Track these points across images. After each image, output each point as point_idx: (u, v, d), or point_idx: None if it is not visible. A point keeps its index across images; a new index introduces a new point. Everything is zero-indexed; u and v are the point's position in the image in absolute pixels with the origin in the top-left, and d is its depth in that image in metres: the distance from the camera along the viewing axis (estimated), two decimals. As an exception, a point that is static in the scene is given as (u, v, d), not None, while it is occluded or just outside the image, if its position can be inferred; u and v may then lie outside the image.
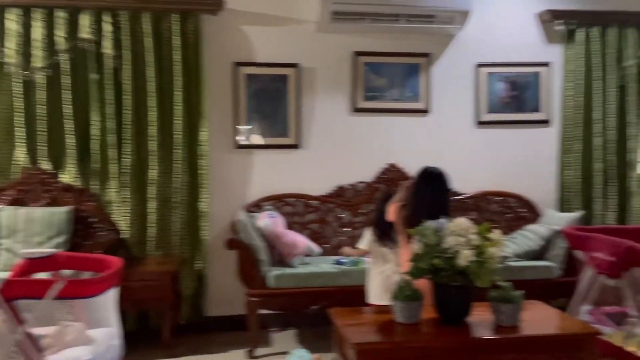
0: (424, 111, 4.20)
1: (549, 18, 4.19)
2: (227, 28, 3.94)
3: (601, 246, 3.13)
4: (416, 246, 2.48)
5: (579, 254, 3.47)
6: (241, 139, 3.97)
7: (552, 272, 3.70)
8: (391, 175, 4.17)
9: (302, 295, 3.47)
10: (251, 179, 4.03)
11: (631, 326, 2.92)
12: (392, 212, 2.95)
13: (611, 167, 4.26)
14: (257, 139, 4.03)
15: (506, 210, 4.26)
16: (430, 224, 2.46)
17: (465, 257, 2.30)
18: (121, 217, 3.76)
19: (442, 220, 2.46)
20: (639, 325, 2.91)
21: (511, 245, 3.84)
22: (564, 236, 3.61)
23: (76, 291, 2.48)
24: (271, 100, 4.02)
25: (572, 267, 3.64)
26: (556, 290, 3.67)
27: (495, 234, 2.42)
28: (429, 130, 4.21)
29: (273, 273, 3.48)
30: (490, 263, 2.37)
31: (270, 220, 3.61)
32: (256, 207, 3.96)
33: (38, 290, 2.37)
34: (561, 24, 4.19)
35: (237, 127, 3.97)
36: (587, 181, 4.27)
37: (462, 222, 2.41)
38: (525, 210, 4.25)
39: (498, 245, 2.42)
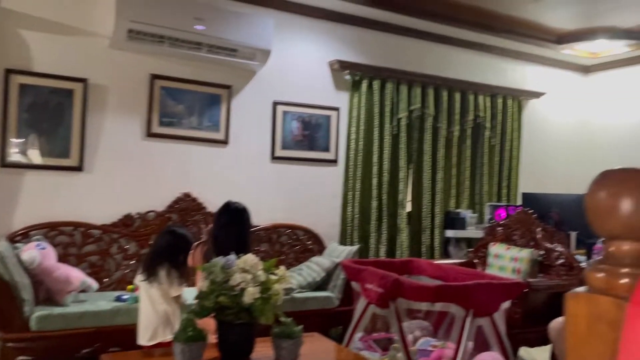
0: (222, 142, 4.03)
1: (338, 67, 4.40)
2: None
3: (372, 278, 3.34)
4: (203, 283, 2.33)
5: (355, 285, 3.69)
6: (12, 157, 3.37)
7: (332, 302, 3.80)
8: (185, 205, 3.91)
9: (72, 337, 2.90)
10: (19, 203, 3.34)
11: (394, 351, 3.16)
12: (194, 252, 2.77)
13: (384, 205, 4.65)
14: (29, 158, 3.43)
15: (295, 242, 4.32)
16: (218, 260, 2.34)
17: (251, 294, 2.22)
18: None
19: (231, 257, 2.35)
20: (401, 350, 3.19)
21: (297, 277, 3.91)
22: (342, 268, 3.82)
23: None
24: (52, 116, 3.41)
25: (349, 297, 3.86)
26: (335, 319, 3.79)
27: (281, 270, 2.40)
28: (227, 161, 4.04)
29: (36, 314, 2.86)
30: (274, 299, 2.34)
31: (37, 252, 3.04)
32: (23, 236, 3.31)
33: None
34: (348, 74, 4.51)
35: (6, 142, 3.37)
36: (364, 217, 4.52)
37: (250, 259, 2.34)
38: (312, 242, 4.34)
39: (283, 281, 2.41)
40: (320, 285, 3.89)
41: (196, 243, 2.75)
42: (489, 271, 4.04)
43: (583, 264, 3.55)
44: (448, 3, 4.42)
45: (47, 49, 3.44)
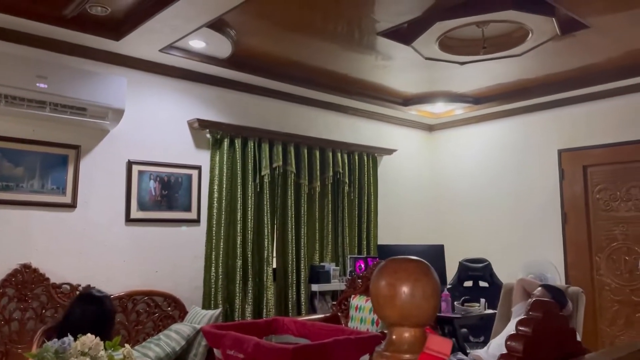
0: (69, 206, 3.72)
1: (198, 126, 4.38)
2: None
3: (233, 344, 3.26)
4: (34, 372, 2.09)
5: (217, 352, 3.56)
6: None
7: None
8: (24, 278, 3.47)
9: None
10: None
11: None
12: (40, 341, 2.48)
13: (249, 263, 4.56)
14: None
15: (154, 309, 4.06)
16: (52, 344, 2.12)
17: (90, 379, 2.04)
18: None
19: (67, 339, 2.15)
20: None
21: (154, 349, 3.67)
22: (203, 334, 3.67)
23: None
24: None
25: (214, 365, 3.70)
26: None
27: (125, 349, 2.25)
28: (74, 226, 3.73)
29: None
30: (119, 380, 2.16)
31: None
32: None
33: None
34: (208, 133, 4.49)
35: None
36: (229, 277, 4.42)
37: (89, 339, 2.16)
38: (172, 308, 4.10)
39: (127, 359, 2.25)
40: (181, 355, 3.68)
41: (44, 329, 2.47)
42: (351, 324, 4.16)
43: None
44: (305, 68, 4.67)
45: None
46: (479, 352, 3.38)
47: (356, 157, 5.55)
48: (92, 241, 3.83)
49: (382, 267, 0.72)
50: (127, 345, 2.20)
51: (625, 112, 4.89)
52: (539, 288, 3.34)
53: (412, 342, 0.67)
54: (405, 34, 3.92)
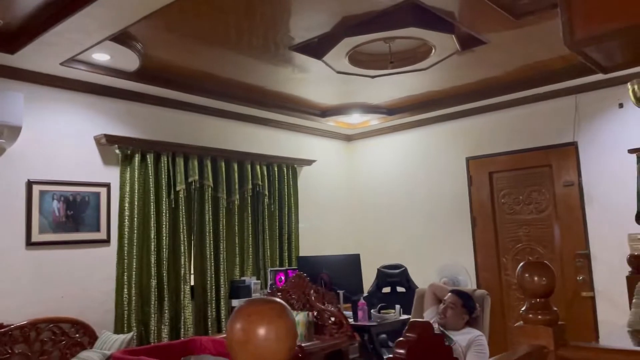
0: (-41, 231, 3.53)
1: (106, 142, 4.17)
2: None
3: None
4: None
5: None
6: None
7: None
8: None
9: None
10: None
11: None
12: None
13: (165, 282, 4.38)
14: None
15: (60, 337, 3.79)
16: None
17: None
18: None
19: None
20: None
21: (62, 380, 3.47)
22: (115, 362, 3.50)
23: None
24: None
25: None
26: None
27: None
28: (-34, 253, 3.54)
29: None
30: None
31: None
32: None
33: None
34: (117, 148, 4.28)
35: None
36: (143, 298, 4.23)
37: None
38: (81, 334, 3.87)
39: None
40: (91, 384, 3.50)
41: None
42: (272, 338, 4.12)
43: (350, 320, 3.87)
44: (220, 80, 4.60)
45: None
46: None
47: (276, 169, 5.55)
48: (-13, 268, 3.55)
49: (236, 311, 0.72)
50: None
51: (524, 122, 5.23)
52: (450, 294, 3.48)
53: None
54: (316, 48, 3.98)
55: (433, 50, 3.97)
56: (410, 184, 6.04)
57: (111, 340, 3.75)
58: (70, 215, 4.03)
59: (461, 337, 3.28)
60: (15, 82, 3.72)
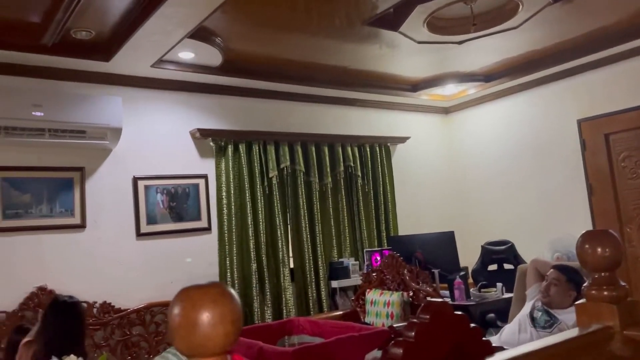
0: (79, 226, 3.84)
1: (200, 136, 4.43)
2: None
3: (240, 349, 3.30)
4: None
5: (229, 357, 3.61)
6: None
7: None
8: (41, 300, 3.58)
9: None
10: None
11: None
12: (20, 352, 2.59)
13: (265, 266, 4.54)
14: None
15: (172, 319, 4.20)
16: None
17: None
18: None
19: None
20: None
21: (171, 358, 3.76)
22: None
23: None
24: None
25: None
26: None
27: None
28: (86, 245, 3.84)
29: None
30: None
31: None
32: None
33: None
34: (211, 141, 4.52)
35: None
36: (245, 281, 4.45)
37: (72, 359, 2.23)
38: (190, 316, 4.27)
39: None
40: (200, 362, 3.74)
41: (24, 342, 2.56)
42: (368, 318, 4.11)
43: (447, 299, 3.71)
44: (302, 65, 4.62)
45: None
46: (492, 339, 3.26)
47: (368, 149, 5.47)
48: (104, 258, 3.93)
49: (175, 297, 0.70)
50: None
51: (644, 73, 4.59)
52: (552, 270, 3.18)
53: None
54: (391, 20, 3.82)
55: (520, 6, 3.61)
56: (515, 154, 5.61)
57: (215, 322, 3.98)
58: (173, 206, 4.33)
59: (568, 317, 2.98)
60: (113, 87, 4.05)
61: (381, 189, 5.48)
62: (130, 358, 3.80)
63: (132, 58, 3.78)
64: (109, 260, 3.95)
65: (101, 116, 3.81)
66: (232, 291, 0.71)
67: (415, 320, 1.07)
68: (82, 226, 3.88)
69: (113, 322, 3.83)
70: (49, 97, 3.62)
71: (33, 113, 3.53)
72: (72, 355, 2.15)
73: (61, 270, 3.75)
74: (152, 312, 4.05)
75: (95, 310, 3.80)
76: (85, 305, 3.73)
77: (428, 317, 1.04)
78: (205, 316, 0.64)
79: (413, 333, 0.99)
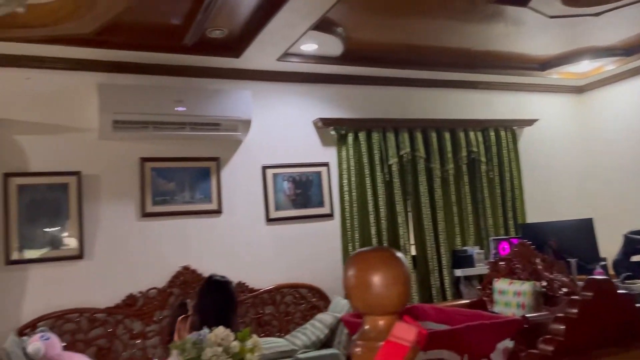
0: (216, 212, 4.18)
1: (322, 125, 4.57)
2: None
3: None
4: (177, 360, 2.42)
5: (356, 339, 3.69)
6: (15, 255, 3.60)
7: (338, 358, 3.80)
8: (186, 278, 4.01)
9: None
10: (26, 297, 3.51)
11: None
12: (178, 326, 2.88)
13: (388, 252, 4.69)
14: (31, 253, 3.57)
15: (300, 301, 4.36)
16: (191, 336, 2.43)
17: (221, 367, 2.29)
18: None
19: (203, 331, 2.44)
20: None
21: (301, 337, 3.93)
22: (343, 323, 3.83)
23: None
24: (50, 210, 3.64)
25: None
26: None
27: (254, 339, 2.47)
28: (223, 230, 4.16)
29: None
30: (249, 369, 2.39)
31: (42, 343, 3.19)
32: (31, 328, 3.46)
33: None
34: (333, 130, 4.64)
35: (9, 241, 3.61)
36: (368, 267, 4.63)
37: (220, 331, 2.42)
38: (317, 299, 4.35)
39: (257, 350, 2.47)
40: (327, 343, 3.89)
41: (181, 317, 2.85)
42: (496, 308, 3.97)
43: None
44: (422, 50, 4.56)
45: (40, 149, 3.71)
46: None
47: (492, 134, 5.25)
48: (238, 242, 4.23)
49: (348, 259, 0.74)
50: (254, 336, 2.43)
51: None
52: None
53: (381, 330, 0.68)
54: (520, -5, 3.63)
55: (673, -34, 3.23)
56: (663, 134, 5.05)
57: (342, 305, 4.10)
58: (298, 193, 4.52)
59: None
60: (243, 81, 4.31)
61: (507, 175, 5.24)
62: (264, 335, 4.04)
63: (260, 53, 3.99)
64: (242, 243, 4.24)
65: (233, 109, 4.08)
66: (402, 255, 0.74)
67: (577, 297, 1.03)
68: (218, 211, 4.20)
69: (247, 301, 4.11)
70: (189, 93, 3.95)
71: (176, 109, 3.88)
72: (220, 327, 2.35)
73: (201, 251, 4.09)
74: (282, 292, 4.28)
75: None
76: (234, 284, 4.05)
77: (591, 294, 0.99)
78: (379, 278, 0.68)
79: (576, 310, 0.96)
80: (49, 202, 3.69)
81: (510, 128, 5.35)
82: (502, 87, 5.44)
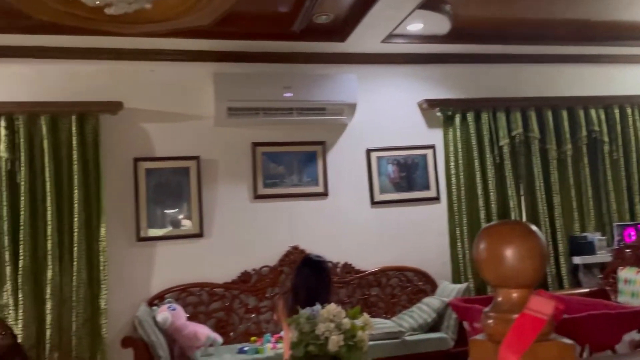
0: (323, 194, 4.27)
1: (427, 106, 4.46)
2: (126, 126, 3.90)
3: (479, 316, 3.28)
4: (292, 334, 2.52)
5: (465, 324, 3.62)
6: (145, 232, 3.96)
7: (446, 342, 3.68)
8: (295, 257, 4.12)
9: None
10: (154, 271, 3.87)
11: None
12: (277, 303, 3.00)
13: (498, 236, 4.51)
14: (158, 231, 3.94)
15: (406, 284, 4.33)
16: (304, 311, 2.52)
17: (334, 342, 2.35)
18: (16, 321, 3.54)
19: (316, 307, 2.53)
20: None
21: (408, 320, 3.93)
22: (451, 308, 3.77)
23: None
24: (173, 192, 3.97)
25: (464, 337, 3.77)
26: None
27: (365, 317, 2.51)
28: (329, 212, 4.24)
29: None
30: (360, 345, 2.44)
31: (169, 313, 3.51)
32: (159, 299, 3.82)
33: None
34: (439, 111, 4.49)
35: (139, 220, 3.99)
36: (476, 252, 4.49)
37: (332, 308, 2.49)
38: (423, 282, 4.31)
39: (368, 328, 2.51)
40: (434, 326, 3.85)
41: (278, 294, 2.96)
42: (620, 298, 3.68)
43: None
44: (534, 23, 4.29)
45: (164, 136, 4.03)
46: None
47: (616, 111, 4.82)
48: (344, 224, 4.30)
49: (480, 232, 0.73)
50: (365, 314, 2.47)
51: None
52: None
53: (514, 303, 0.66)
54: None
55: None
56: None
57: (448, 289, 4.03)
58: (403, 176, 4.49)
59: None
60: (348, 65, 4.33)
61: (634, 156, 4.80)
62: (370, 316, 4.09)
63: (365, 36, 3.99)
64: (348, 225, 4.30)
65: (338, 94, 4.14)
66: (537, 229, 0.72)
67: None
68: (324, 194, 4.30)
69: (353, 282, 4.18)
70: (296, 79, 4.07)
71: (284, 95, 4.01)
72: (317, 305, 2.42)
73: (309, 232, 4.22)
74: (387, 275, 4.30)
75: (338, 270, 4.20)
76: (330, 264, 4.15)
77: None
78: (513, 250, 0.67)
79: None
80: (172, 184, 4.01)
81: (638, 105, 4.88)
82: (627, 60, 4.97)
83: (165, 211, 3.99)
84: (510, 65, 4.72)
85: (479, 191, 4.46)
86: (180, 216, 4.02)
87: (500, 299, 0.71)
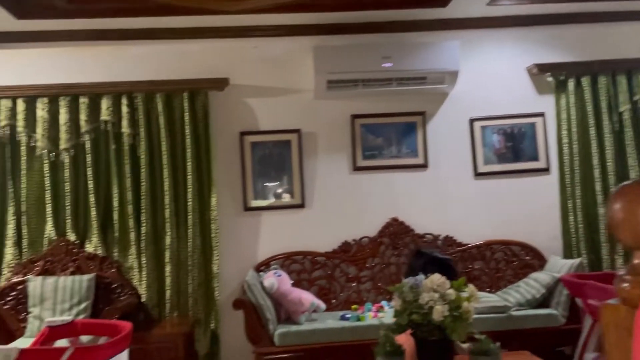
0: (422, 166, 4.20)
1: (537, 71, 4.17)
2: (232, 102, 4.07)
3: (595, 293, 3.06)
4: (396, 302, 2.54)
5: (578, 301, 3.42)
6: (251, 202, 4.16)
7: (556, 319, 3.51)
8: (394, 229, 4.16)
9: (307, 352, 3.40)
10: (260, 239, 4.07)
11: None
12: None
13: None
14: (263, 201, 4.12)
15: (511, 258, 4.13)
16: (407, 280, 2.52)
17: (439, 312, 2.33)
18: (140, 282, 3.92)
19: (419, 277, 2.52)
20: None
21: (515, 295, 3.78)
22: (563, 284, 3.57)
23: (84, 357, 2.63)
24: (276, 164, 4.11)
25: (577, 314, 3.56)
26: (561, 338, 3.48)
27: (470, 288, 2.46)
28: (429, 183, 4.18)
29: (278, 331, 3.43)
30: (465, 317, 2.40)
31: (275, 279, 3.68)
32: (265, 266, 4.02)
33: (51, 358, 2.55)
34: (550, 76, 4.18)
35: (246, 190, 4.19)
36: (591, 226, 4.08)
37: (436, 278, 2.46)
38: (530, 257, 4.12)
39: (473, 299, 2.45)
40: (543, 302, 3.68)
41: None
42: None
43: None
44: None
45: (267, 110, 4.16)
46: None
47: None
48: (445, 196, 4.20)
49: (615, 192, 0.68)
50: (471, 285, 2.42)
51: None
52: None
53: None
54: None
55: None
56: None
57: (559, 265, 3.82)
58: (509, 146, 4.27)
59: None
60: (449, 32, 4.16)
61: None
62: (473, 289, 4.00)
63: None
64: (449, 197, 4.21)
65: (439, 61, 4.00)
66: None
67: None
68: (424, 166, 4.22)
69: (456, 255, 4.10)
70: (395, 48, 3.99)
71: (383, 65, 3.96)
72: (436, 274, 2.40)
73: (409, 204, 4.19)
74: (491, 249, 4.16)
75: (439, 242, 4.13)
76: (431, 236, 4.10)
77: None
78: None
79: None
80: (275, 157, 4.15)
81: None
82: None
83: (269, 182, 4.14)
84: (633, 23, 4.27)
85: (595, 161, 4.13)
86: (283, 187, 4.15)
87: (637, 261, 0.66)
